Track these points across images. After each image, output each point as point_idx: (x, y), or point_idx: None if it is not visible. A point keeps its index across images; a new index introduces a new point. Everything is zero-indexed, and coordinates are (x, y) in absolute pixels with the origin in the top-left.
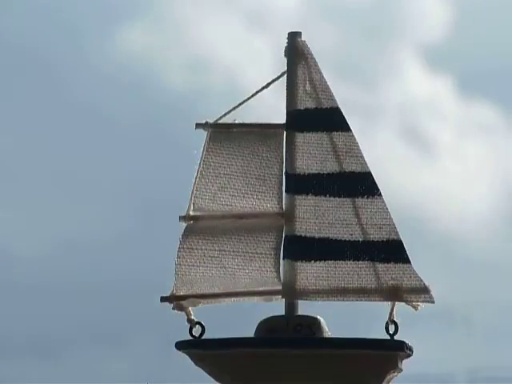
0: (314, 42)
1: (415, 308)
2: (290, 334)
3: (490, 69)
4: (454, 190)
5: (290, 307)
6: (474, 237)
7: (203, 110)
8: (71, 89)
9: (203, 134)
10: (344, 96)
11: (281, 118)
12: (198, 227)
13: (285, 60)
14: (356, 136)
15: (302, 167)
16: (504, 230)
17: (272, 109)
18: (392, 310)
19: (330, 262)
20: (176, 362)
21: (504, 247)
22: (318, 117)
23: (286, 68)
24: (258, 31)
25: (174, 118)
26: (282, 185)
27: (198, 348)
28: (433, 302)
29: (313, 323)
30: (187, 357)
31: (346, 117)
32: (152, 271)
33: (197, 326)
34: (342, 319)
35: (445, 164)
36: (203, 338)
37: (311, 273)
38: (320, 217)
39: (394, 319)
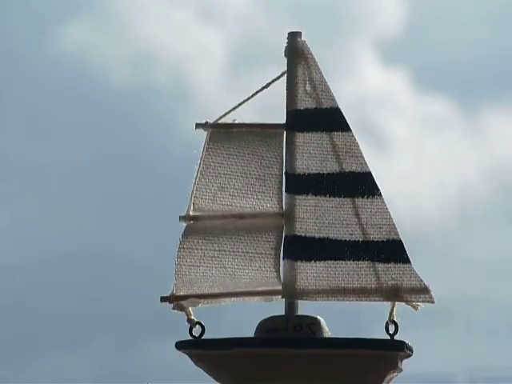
0: (267, 35)
1: (415, 308)
2: (290, 334)
3: (446, 63)
4: (407, 186)
5: (290, 307)
6: (431, 234)
7: (149, 108)
8: (6, 92)
9: (143, 131)
10: (270, 88)
11: (281, 118)
12: (197, 227)
13: (232, 54)
14: None
15: (302, 167)
16: (457, 227)
17: (272, 109)
18: (392, 310)
19: (329, 262)
20: (138, 359)
21: (461, 246)
22: (318, 117)
23: (241, 65)
24: (206, 25)
25: (118, 116)
26: (281, 185)
27: (198, 348)
28: (433, 302)
29: (313, 323)
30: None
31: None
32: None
33: (197, 325)
34: (342, 319)
35: (399, 159)
36: (203, 337)
37: (311, 273)
38: (320, 217)
39: (394, 319)
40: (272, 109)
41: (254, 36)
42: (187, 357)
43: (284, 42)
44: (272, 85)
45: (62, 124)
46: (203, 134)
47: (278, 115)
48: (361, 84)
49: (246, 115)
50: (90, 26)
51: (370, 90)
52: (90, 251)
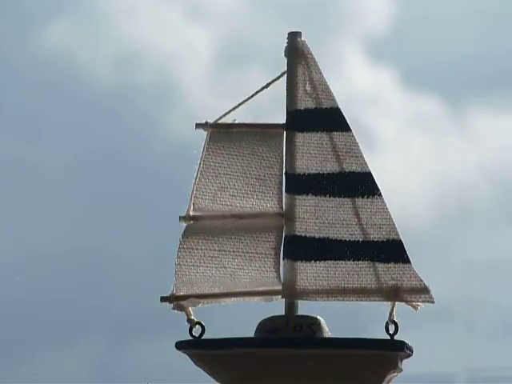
0: (254, 34)
1: (415, 308)
2: (290, 334)
3: (433, 62)
4: (396, 184)
5: (290, 307)
6: (411, 234)
7: (137, 106)
8: None
9: (128, 131)
10: (270, 88)
11: (281, 118)
12: (197, 227)
13: (219, 53)
14: None
15: (302, 167)
16: (441, 226)
17: (272, 109)
18: (392, 310)
19: (329, 262)
20: (127, 359)
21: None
22: (318, 117)
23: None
24: (193, 23)
25: (105, 114)
26: (281, 185)
27: (198, 348)
28: (433, 302)
29: (313, 323)
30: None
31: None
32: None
33: (197, 326)
34: (342, 319)
35: (387, 158)
36: (203, 337)
37: (311, 273)
38: (320, 217)
39: (394, 319)
40: (272, 109)
41: (241, 35)
42: (180, 357)
43: (271, 41)
44: (272, 85)
45: (51, 122)
46: (190, 132)
47: (278, 115)
48: (349, 83)
49: (246, 115)
50: (77, 25)
51: (357, 88)
52: (81, 250)
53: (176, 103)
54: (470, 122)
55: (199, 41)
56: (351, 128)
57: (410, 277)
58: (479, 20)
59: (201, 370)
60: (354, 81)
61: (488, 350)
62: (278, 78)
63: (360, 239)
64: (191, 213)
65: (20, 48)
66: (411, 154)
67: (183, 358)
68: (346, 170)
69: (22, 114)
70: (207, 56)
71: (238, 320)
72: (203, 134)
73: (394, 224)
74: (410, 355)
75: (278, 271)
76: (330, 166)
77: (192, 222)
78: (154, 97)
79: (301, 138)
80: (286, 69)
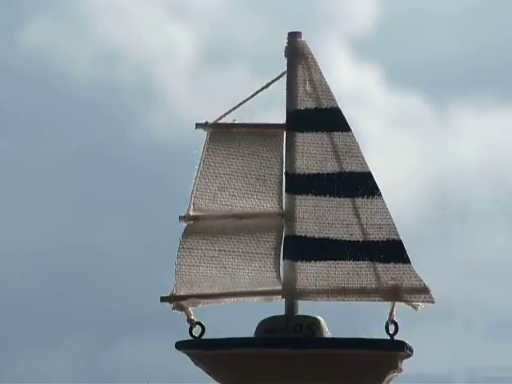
0: (238, 33)
1: (415, 308)
2: (290, 334)
3: (418, 61)
4: (380, 183)
5: (290, 307)
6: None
7: (116, 105)
8: None
9: (116, 126)
10: (271, 88)
11: (281, 118)
12: (198, 227)
13: (201, 52)
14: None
15: (302, 167)
16: (425, 225)
17: (272, 109)
18: (392, 310)
19: (330, 262)
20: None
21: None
22: (317, 117)
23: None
24: (176, 22)
25: (86, 112)
26: (282, 185)
27: (198, 348)
28: (433, 302)
29: (313, 323)
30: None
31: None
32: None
33: (197, 326)
34: (342, 319)
35: (371, 156)
36: (203, 337)
37: (311, 273)
38: (320, 217)
39: (394, 319)
40: (272, 109)
41: (224, 33)
42: (172, 357)
43: (254, 39)
44: (272, 85)
45: (37, 118)
46: (180, 130)
47: (278, 115)
48: (333, 81)
49: (246, 115)
50: (60, 22)
51: (342, 87)
52: (70, 247)
53: (158, 101)
54: (454, 120)
55: (182, 39)
56: (351, 128)
57: (410, 277)
58: (463, 20)
59: (195, 370)
60: (339, 79)
61: (488, 350)
62: (278, 77)
63: (360, 239)
64: (191, 213)
65: (2, 44)
66: (396, 152)
67: (175, 358)
68: (346, 170)
69: (6, 110)
70: (190, 54)
71: (237, 320)
72: (188, 131)
73: (394, 224)
74: (410, 355)
75: (277, 271)
76: (330, 166)
77: (192, 222)
78: (136, 94)
79: (301, 137)
80: (271, 67)
